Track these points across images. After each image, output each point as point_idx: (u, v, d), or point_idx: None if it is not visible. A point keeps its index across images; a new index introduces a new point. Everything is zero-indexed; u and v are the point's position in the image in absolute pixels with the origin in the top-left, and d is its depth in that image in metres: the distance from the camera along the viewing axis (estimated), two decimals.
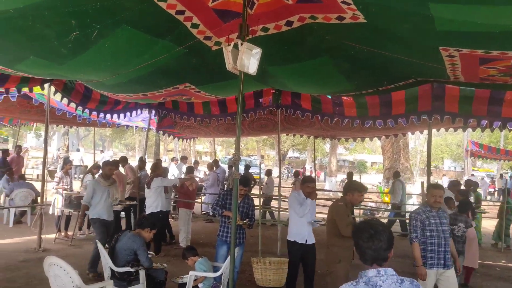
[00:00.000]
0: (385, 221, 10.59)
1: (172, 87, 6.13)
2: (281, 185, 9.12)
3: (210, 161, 15.36)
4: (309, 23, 3.83)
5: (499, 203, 12.26)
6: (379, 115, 6.80)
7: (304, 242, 5.33)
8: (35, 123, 17.14)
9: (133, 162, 16.36)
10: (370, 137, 11.74)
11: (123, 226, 8.42)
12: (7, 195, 9.91)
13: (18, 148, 13.84)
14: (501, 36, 3.26)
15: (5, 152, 12.65)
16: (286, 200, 11.60)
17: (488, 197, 24.89)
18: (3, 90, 7.03)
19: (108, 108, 8.14)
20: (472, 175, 26.99)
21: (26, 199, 9.75)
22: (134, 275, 4.80)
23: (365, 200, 13.25)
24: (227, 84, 5.67)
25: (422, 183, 8.26)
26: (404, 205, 12.36)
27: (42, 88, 7.12)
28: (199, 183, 12.20)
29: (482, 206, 12.17)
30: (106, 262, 4.79)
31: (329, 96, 7.20)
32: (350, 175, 13.59)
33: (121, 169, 9.40)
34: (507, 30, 3.14)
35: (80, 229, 8.90)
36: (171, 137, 13.82)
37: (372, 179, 31.02)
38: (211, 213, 11.42)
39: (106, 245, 5.89)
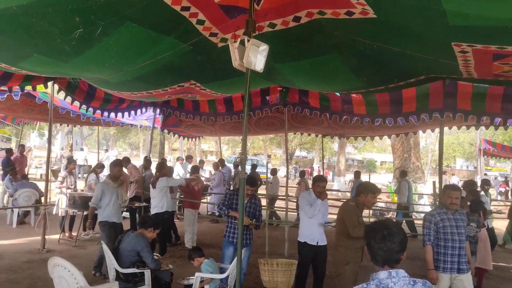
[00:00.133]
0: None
1: (177, 85, 6.06)
2: (288, 185, 9.01)
3: (216, 160, 15.29)
4: (317, 18, 3.75)
5: (509, 203, 12.07)
6: (389, 112, 6.72)
7: (315, 244, 5.25)
8: (38, 122, 17.17)
9: (138, 162, 16.37)
10: (379, 136, 11.63)
11: (125, 226, 8.34)
12: (10, 195, 9.87)
13: (21, 147, 13.81)
14: None
15: (9, 151, 12.62)
16: (294, 200, 11.64)
17: (499, 197, 24.57)
18: (6, 89, 6.98)
19: (112, 106, 8.08)
20: (485, 174, 26.55)
21: (30, 199, 9.69)
22: (139, 277, 4.76)
23: None
24: (233, 81, 5.60)
25: (434, 182, 8.13)
26: (412, 205, 12.21)
27: (46, 87, 7.09)
28: (205, 183, 12.12)
29: (492, 206, 11.98)
30: (111, 263, 4.74)
31: (337, 94, 7.12)
32: (357, 174, 13.49)
33: (124, 170, 9.33)
34: None
35: (84, 229, 8.85)
36: (176, 136, 13.79)
37: (382, 179, 30.69)
38: (217, 214, 11.35)
39: None
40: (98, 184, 6.69)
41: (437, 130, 8.87)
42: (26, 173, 12.14)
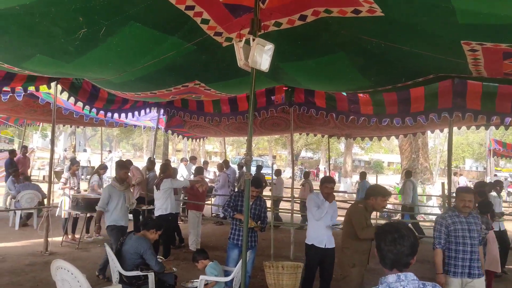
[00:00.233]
0: None
1: (181, 85, 6.01)
2: (294, 187, 8.92)
3: (220, 161, 15.24)
4: (324, 17, 3.69)
5: None
6: (397, 112, 6.63)
7: (323, 246, 5.17)
8: (41, 123, 17.18)
9: (141, 163, 16.34)
10: (387, 136, 11.52)
11: (128, 228, 8.29)
12: (13, 197, 9.84)
13: (24, 148, 13.78)
14: None
15: (12, 152, 12.58)
16: (297, 202, 11.56)
17: (508, 198, 24.36)
18: (9, 89, 6.96)
19: (115, 107, 8.03)
20: (495, 175, 26.31)
21: (32, 201, 9.67)
22: (142, 279, 4.73)
23: None
24: (238, 81, 5.54)
25: (443, 184, 8.02)
26: (417, 207, 12.09)
27: (49, 87, 7.04)
28: (209, 184, 12.06)
29: (503, 208, 11.79)
30: (115, 266, 4.70)
31: (344, 93, 7.04)
32: (363, 175, 13.39)
33: None
34: None
35: (87, 231, 8.81)
36: (180, 136, 13.74)
37: (389, 180, 30.46)
38: (221, 215, 11.27)
39: None
40: (105, 188, 6.62)
41: (446, 130, 8.76)
42: (28, 174, 12.12)
